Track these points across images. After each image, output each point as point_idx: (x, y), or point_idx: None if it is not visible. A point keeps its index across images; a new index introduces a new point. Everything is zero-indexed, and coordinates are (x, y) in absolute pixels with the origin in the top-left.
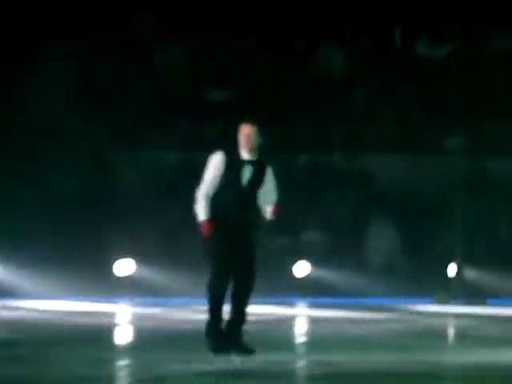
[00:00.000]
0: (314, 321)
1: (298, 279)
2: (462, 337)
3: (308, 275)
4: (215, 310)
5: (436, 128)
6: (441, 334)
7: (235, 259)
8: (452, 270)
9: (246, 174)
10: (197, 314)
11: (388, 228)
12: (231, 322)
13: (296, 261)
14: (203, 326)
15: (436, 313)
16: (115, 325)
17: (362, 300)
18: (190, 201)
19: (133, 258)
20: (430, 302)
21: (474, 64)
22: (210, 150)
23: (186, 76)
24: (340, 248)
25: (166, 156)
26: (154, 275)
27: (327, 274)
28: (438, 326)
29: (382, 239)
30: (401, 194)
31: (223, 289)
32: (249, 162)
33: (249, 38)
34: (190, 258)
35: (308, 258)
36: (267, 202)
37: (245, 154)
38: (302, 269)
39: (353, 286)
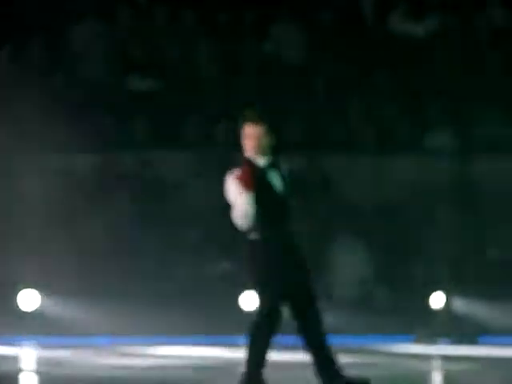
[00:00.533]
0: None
1: (246, 313)
2: None
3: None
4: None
5: (415, 123)
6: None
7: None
8: (437, 300)
9: (275, 182)
10: (123, 357)
11: (357, 249)
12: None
13: (241, 291)
14: (135, 374)
15: (418, 354)
16: (17, 372)
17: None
18: (113, 215)
19: (39, 289)
20: (411, 341)
21: (462, 44)
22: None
23: (105, 62)
24: None
25: (80, 159)
26: (67, 309)
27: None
28: (420, 372)
29: (350, 264)
30: (372, 206)
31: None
32: (268, 166)
33: (185, 13)
34: (114, 288)
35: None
36: None
37: (259, 160)
38: (249, 301)
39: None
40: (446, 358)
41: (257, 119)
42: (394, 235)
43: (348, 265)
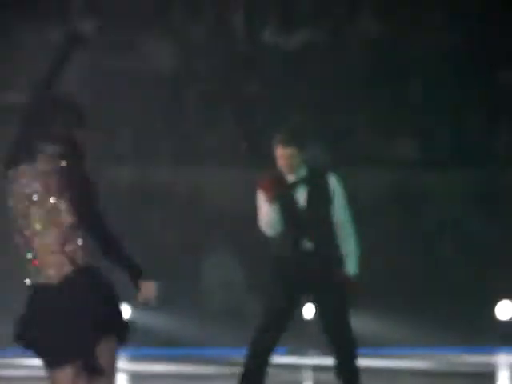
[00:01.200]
0: (135, 376)
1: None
2: None
3: (131, 320)
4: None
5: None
6: None
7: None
8: (307, 311)
9: (299, 197)
10: None
11: (229, 261)
12: None
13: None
14: None
15: (290, 365)
16: None
17: (202, 351)
18: None
19: None
20: (283, 353)
21: (333, 55)
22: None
23: None
24: (170, 288)
25: None
26: None
27: (151, 319)
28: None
29: (222, 275)
30: (242, 216)
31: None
32: (299, 182)
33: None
34: None
35: (129, 301)
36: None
37: (289, 176)
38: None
39: (188, 335)
40: (318, 369)
41: (287, 142)
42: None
43: (218, 276)
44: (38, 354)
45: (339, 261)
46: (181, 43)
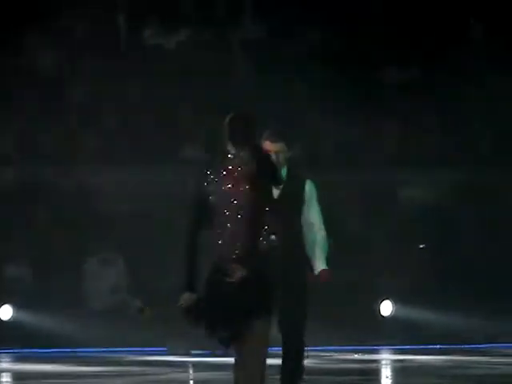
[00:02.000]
0: (18, 377)
1: (3, 325)
2: None
3: (12, 320)
4: None
5: (171, 135)
6: None
7: None
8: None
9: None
10: None
11: (112, 261)
12: None
13: (0, 304)
14: None
15: (172, 364)
16: None
17: (82, 351)
18: None
19: None
20: (164, 353)
21: (216, 54)
22: None
23: None
24: (51, 287)
25: None
26: None
27: (35, 320)
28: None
29: (105, 275)
30: (128, 216)
31: None
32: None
33: None
34: None
35: (11, 301)
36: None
37: None
38: (4, 313)
39: (70, 335)
40: (200, 367)
41: (276, 137)
42: (147, 245)
43: (102, 276)
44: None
45: (304, 260)
46: (63, 42)
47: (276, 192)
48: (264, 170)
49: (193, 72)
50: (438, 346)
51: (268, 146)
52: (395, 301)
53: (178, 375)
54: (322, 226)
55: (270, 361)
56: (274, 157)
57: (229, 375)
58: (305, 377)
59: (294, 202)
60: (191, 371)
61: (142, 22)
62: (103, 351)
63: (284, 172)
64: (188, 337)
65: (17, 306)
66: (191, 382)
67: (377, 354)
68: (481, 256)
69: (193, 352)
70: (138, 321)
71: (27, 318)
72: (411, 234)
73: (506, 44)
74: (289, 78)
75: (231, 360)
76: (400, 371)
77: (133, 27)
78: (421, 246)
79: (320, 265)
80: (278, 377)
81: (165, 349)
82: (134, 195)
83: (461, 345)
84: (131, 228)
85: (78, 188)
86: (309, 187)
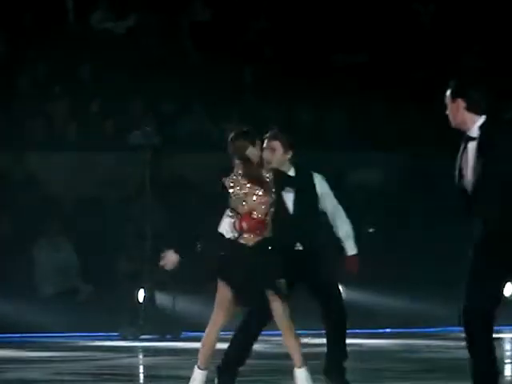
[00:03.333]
0: None
1: None
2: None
3: None
4: None
5: (119, 120)
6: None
7: None
8: (141, 296)
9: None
10: None
11: (62, 245)
12: None
13: None
14: None
15: (123, 349)
16: None
17: (32, 336)
18: None
19: None
20: (117, 338)
21: (165, 40)
22: None
23: None
24: (2, 273)
25: None
26: None
27: None
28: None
29: (54, 260)
30: (76, 202)
31: None
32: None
33: None
34: None
35: None
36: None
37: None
38: None
39: (19, 319)
40: (151, 352)
41: (272, 138)
42: (98, 229)
43: (52, 261)
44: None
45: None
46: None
47: (289, 199)
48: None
49: (143, 58)
50: (387, 330)
51: (266, 145)
52: (345, 285)
53: (128, 360)
54: (343, 212)
55: None
56: (269, 155)
57: (178, 360)
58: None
59: (307, 199)
60: (141, 356)
61: (90, 9)
62: (54, 336)
63: (292, 171)
64: (138, 322)
65: None
66: (141, 366)
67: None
68: (428, 240)
69: (142, 337)
70: (88, 306)
71: None
72: (359, 218)
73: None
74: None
75: (179, 345)
76: (351, 355)
77: (81, 13)
78: (370, 230)
79: (349, 249)
80: None
81: (116, 334)
82: (82, 181)
83: (409, 328)
84: (79, 213)
85: (27, 175)
86: (318, 181)
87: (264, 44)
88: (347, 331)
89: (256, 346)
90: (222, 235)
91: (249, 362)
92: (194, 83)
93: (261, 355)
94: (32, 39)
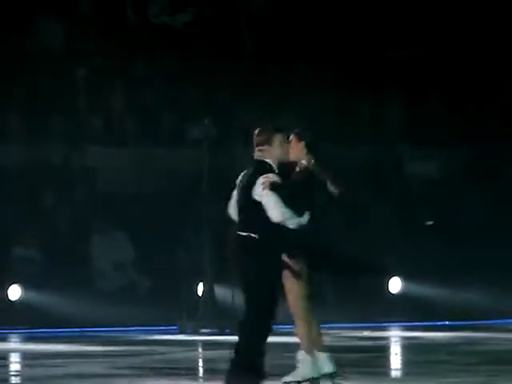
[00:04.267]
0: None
1: (12, 305)
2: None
3: (21, 301)
4: None
5: (177, 114)
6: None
7: None
8: (200, 289)
9: None
10: None
11: (119, 239)
12: None
13: (9, 284)
14: None
15: (183, 342)
16: None
17: (91, 331)
18: None
19: None
20: (175, 331)
21: (219, 32)
22: None
23: None
24: (58, 266)
25: None
26: None
27: (44, 299)
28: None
29: (110, 254)
30: (134, 195)
31: None
32: None
33: None
34: None
35: (20, 281)
36: None
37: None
38: (13, 294)
39: (77, 314)
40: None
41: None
42: (155, 224)
43: (109, 255)
44: None
45: None
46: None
47: None
48: None
49: (199, 50)
50: (446, 323)
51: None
52: (404, 278)
53: (187, 354)
54: None
55: None
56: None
57: None
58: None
59: None
60: (200, 350)
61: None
62: (113, 331)
63: None
64: (197, 316)
65: (25, 286)
66: (200, 360)
67: (386, 331)
68: (487, 231)
69: (201, 331)
70: (146, 300)
71: (36, 298)
72: (418, 210)
73: None
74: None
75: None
76: (409, 348)
77: (139, 7)
78: (428, 223)
79: None
80: None
81: (175, 328)
82: (139, 174)
83: (470, 321)
84: (137, 207)
85: (84, 168)
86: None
87: (319, 37)
88: None
89: None
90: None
91: None
92: (250, 76)
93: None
94: (90, 32)
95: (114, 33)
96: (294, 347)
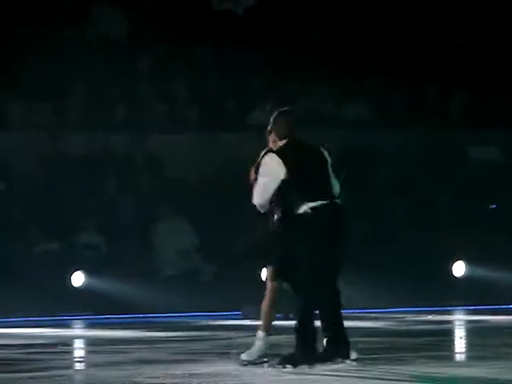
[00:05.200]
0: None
1: (75, 292)
2: None
3: (84, 287)
4: None
5: (240, 100)
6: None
7: None
8: (264, 274)
9: None
10: None
11: (183, 226)
12: None
13: (72, 271)
14: None
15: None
16: None
17: (155, 317)
18: None
19: None
20: (239, 317)
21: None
22: None
23: None
24: (122, 253)
25: None
26: None
27: (107, 286)
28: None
29: (174, 241)
30: (197, 182)
31: None
32: None
33: None
34: None
35: (84, 268)
36: None
37: None
38: (77, 281)
39: (141, 301)
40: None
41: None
42: (217, 210)
43: (172, 242)
44: None
45: None
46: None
47: None
48: None
49: (261, 37)
50: (511, 306)
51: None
52: (468, 261)
53: (251, 339)
54: None
55: None
56: None
57: None
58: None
59: None
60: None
61: None
62: (177, 316)
63: None
64: (260, 301)
65: (88, 272)
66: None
67: (450, 314)
68: None
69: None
70: (209, 286)
71: (99, 284)
72: (483, 193)
73: None
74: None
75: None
76: (474, 332)
77: None
78: (491, 206)
79: None
80: None
81: (239, 313)
82: (202, 161)
83: None
84: (200, 194)
85: (148, 156)
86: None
87: (387, 24)
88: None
89: (376, 324)
90: None
91: (370, 339)
92: (314, 62)
93: (383, 332)
94: (151, 20)
95: (176, 21)
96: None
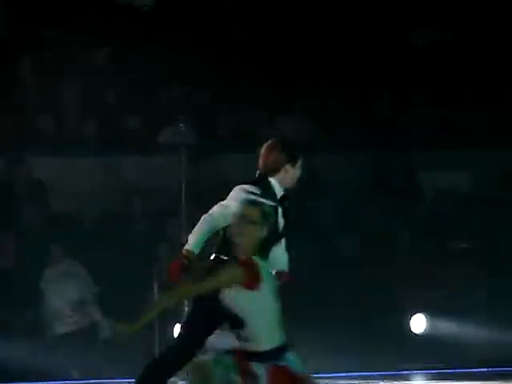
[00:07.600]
0: None
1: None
2: None
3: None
4: None
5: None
6: None
7: None
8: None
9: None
10: None
11: (74, 272)
12: None
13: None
14: None
15: None
16: None
17: None
18: None
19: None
20: None
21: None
22: None
23: None
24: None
25: None
26: None
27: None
28: None
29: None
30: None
31: None
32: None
33: None
34: None
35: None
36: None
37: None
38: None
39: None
40: None
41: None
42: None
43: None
44: None
45: None
46: None
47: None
48: None
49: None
50: (486, 369)
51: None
52: (429, 315)
53: None
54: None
55: None
56: None
57: None
58: None
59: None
60: None
61: None
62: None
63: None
64: None
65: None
66: None
67: (408, 380)
68: None
69: None
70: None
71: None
72: (444, 232)
73: None
74: None
75: None
76: None
77: None
78: (461, 246)
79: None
80: None
81: None
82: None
83: None
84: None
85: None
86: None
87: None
88: None
89: None
90: None
91: None
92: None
93: None
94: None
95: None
96: None
